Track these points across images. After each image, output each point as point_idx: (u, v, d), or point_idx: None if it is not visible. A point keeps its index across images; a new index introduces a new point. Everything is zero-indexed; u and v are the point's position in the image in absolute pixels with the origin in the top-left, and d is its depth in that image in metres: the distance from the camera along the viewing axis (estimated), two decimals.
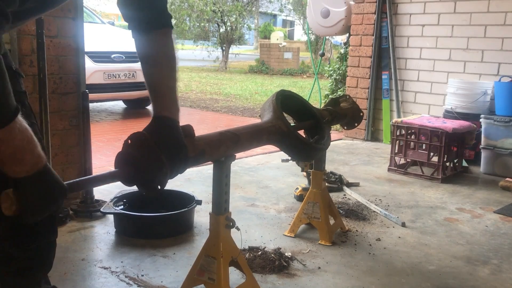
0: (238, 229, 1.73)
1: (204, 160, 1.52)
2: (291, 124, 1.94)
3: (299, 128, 2.11)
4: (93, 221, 2.61)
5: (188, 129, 1.38)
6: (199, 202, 2.59)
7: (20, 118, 0.95)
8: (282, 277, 2.06)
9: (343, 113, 2.43)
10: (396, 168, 3.90)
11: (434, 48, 4.72)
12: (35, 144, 0.98)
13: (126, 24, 1.35)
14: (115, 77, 6.11)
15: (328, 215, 2.48)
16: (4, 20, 0.97)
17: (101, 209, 2.51)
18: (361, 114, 2.54)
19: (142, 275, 2.03)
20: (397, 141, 3.91)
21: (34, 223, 1.16)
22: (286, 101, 2.05)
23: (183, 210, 2.50)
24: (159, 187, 1.24)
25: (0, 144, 0.93)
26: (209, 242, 1.71)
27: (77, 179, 1.18)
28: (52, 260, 1.41)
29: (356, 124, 2.56)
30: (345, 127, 2.60)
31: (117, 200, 2.59)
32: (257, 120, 1.95)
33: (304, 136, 2.13)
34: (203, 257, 1.71)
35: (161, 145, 1.24)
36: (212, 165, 1.68)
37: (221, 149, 1.56)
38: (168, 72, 1.33)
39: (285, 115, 1.95)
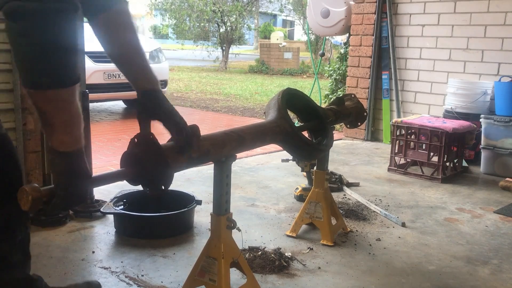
0: (239, 230, 1.72)
1: (208, 160, 1.54)
2: (296, 123, 1.95)
3: (303, 129, 2.11)
4: (93, 221, 2.61)
5: (195, 129, 1.40)
6: (199, 202, 2.59)
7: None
8: (282, 277, 2.06)
9: (347, 112, 2.43)
10: (396, 168, 3.90)
11: (434, 48, 4.72)
12: (81, 123, 1.01)
13: None
14: (115, 77, 6.10)
15: (330, 215, 2.48)
16: (72, 8, 0.93)
17: (101, 209, 2.51)
18: (365, 113, 2.54)
19: (142, 275, 2.03)
20: (397, 141, 3.91)
21: (20, 217, 1.25)
22: (292, 100, 2.06)
23: (183, 210, 2.50)
24: (163, 187, 1.27)
25: (61, 105, 0.93)
26: (210, 243, 1.71)
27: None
28: (29, 250, 1.49)
29: (359, 124, 2.56)
30: (348, 126, 2.60)
31: (117, 200, 2.59)
32: (257, 120, 1.95)
33: (307, 136, 2.14)
34: (204, 258, 1.71)
35: (154, 117, 1.27)
36: (212, 165, 1.68)
37: (226, 149, 1.57)
38: (135, 51, 1.27)
39: (290, 113, 1.96)
